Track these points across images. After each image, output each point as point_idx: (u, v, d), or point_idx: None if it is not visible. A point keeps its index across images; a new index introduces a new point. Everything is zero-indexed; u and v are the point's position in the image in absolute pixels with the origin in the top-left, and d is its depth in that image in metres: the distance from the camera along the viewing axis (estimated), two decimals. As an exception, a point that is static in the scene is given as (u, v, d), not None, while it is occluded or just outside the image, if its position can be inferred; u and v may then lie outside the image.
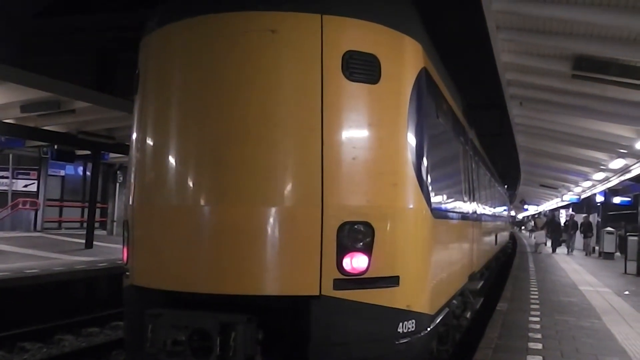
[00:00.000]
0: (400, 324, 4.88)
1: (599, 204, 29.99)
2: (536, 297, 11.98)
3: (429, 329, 5.39)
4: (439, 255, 6.20)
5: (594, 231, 27.39)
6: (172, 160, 4.99)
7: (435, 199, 5.91)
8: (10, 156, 26.28)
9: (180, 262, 4.81)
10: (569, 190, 32.90)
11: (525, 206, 61.21)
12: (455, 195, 8.11)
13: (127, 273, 5.36)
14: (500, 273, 18.98)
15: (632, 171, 19.28)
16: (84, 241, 19.16)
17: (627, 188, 26.31)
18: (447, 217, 7.06)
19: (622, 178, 21.35)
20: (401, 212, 5.06)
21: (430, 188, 5.60)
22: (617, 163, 18.40)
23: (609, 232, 24.82)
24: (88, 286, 13.18)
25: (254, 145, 4.70)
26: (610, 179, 23.06)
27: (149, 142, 5.24)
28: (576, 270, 19.09)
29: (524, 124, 17.94)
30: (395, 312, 4.86)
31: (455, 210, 8.01)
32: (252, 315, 4.53)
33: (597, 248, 26.81)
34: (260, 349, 4.55)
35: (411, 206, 5.15)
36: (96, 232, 20.72)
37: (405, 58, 5.30)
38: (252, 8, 4.84)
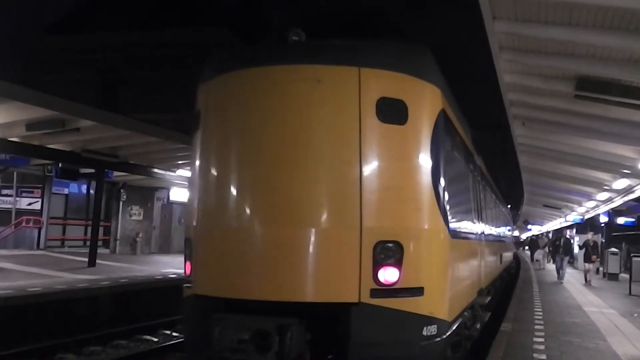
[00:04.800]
0: (425, 328, 5.65)
1: (602, 225, 29.80)
2: (540, 317, 11.91)
3: (447, 334, 6.13)
4: (455, 270, 6.92)
5: (599, 253, 26.89)
6: (231, 189, 5.91)
7: (451, 221, 6.65)
8: (15, 174, 26.31)
9: (240, 274, 5.67)
10: (573, 211, 32.76)
11: (529, 226, 60.90)
12: (467, 217, 8.88)
13: (189, 284, 6.19)
14: (504, 293, 18.84)
15: (636, 191, 19.22)
16: (87, 259, 19.13)
17: (631, 208, 26.15)
18: (461, 237, 7.72)
19: (626, 198, 21.25)
20: (425, 232, 5.90)
21: (447, 212, 6.36)
22: (621, 183, 18.35)
23: (613, 253, 24.61)
24: (90, 304, 13.14)
25: (302, 177, 5.63)
26: (614, 200, 22.96)
27: (210, 172, 6.15)
28: (580, 291, 18.97)
29: (527, 144, 17.93)
30: (420, 317, 5.64)
31: (467, 231, 8.73)
32: (301, 319, 5.35)
33: (600, 269, 26.57)
34: (308, 348, 5.43)
35: (433, 227, 5.96)
36: (99, 250, 20.70)
37: (427, 102, 6.19)
38: (300, 62, 5.89)
